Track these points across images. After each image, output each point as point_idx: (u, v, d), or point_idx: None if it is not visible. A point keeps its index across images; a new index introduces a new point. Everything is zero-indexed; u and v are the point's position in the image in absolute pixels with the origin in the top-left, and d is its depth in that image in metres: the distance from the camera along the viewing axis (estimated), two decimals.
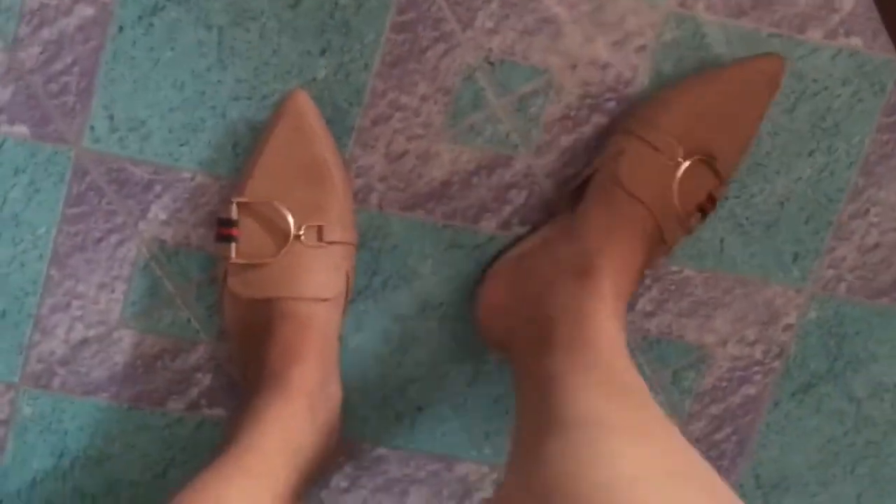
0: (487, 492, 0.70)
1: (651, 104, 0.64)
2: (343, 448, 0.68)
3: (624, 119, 0.64)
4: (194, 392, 0.67)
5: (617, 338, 0.58)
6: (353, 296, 0.66)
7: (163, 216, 0.63)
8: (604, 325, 0.58)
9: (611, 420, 0.51)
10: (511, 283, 0.65)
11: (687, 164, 0.62)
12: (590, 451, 0.49)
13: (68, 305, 0.64)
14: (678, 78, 0.64)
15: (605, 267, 0.61)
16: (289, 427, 0.58)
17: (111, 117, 0.61)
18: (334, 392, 0.62)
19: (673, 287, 0.68)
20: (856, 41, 0.65)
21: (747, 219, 0.68)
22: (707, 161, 0.62)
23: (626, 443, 0.49)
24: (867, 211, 0.69)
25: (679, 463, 0.49)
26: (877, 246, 0.70)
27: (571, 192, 0.65)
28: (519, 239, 0.66)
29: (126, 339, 0.65)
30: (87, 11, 0.60)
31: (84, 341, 0.65)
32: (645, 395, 0.55)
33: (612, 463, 0.48)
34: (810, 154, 0.67)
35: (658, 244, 0.63)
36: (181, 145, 0.63)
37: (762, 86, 0.63)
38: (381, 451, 0.69)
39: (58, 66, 0.60)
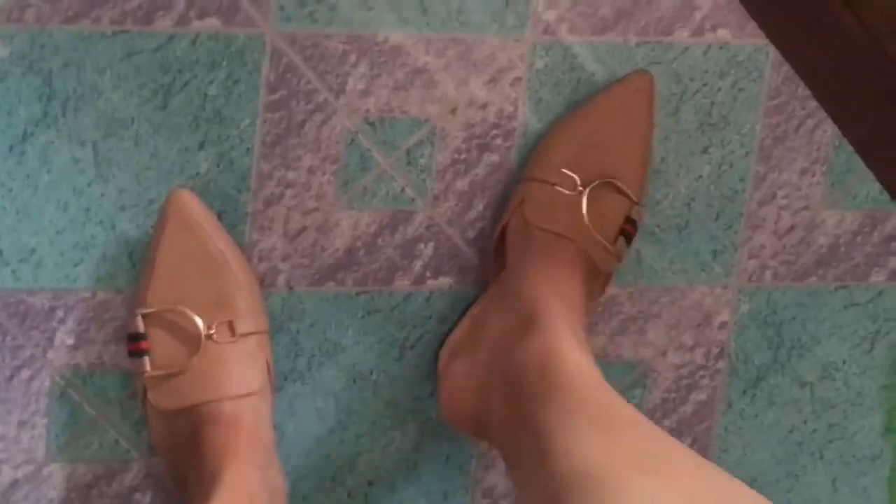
0: None
1: (537, 150, 0.68)
2: None
3: (520, 172, 0.69)
4: None
5: (587, 369, 0.61)
6: (279, 382, 0.69)
7: (70, 341, 0.66)
8: (570, 361, 0.61)
9: (612, 463, 0.53)
10: (467, 360, 0.67)
11: (588, 190, 0.66)
12: (610, 498, 0.51)
13: None
14: (559, 107, 0.69)
15: (553, 307, 0.63)
16: None
17: (0, 252, 0.65)
18: (278, 486, 0.65)
19: (600, 308, 0.72)
20: (723, 33, 0.70)
21: (658, 226, 0.72)
22: (610, 185, 0.66)
23: (635, 481, 0.51)
24: (774, 195, 0.73)
25: (705, 489, 0.51)
26: (792, 228, 0.74)
27: (494, 253, 0.68)
28: (461, 316, 0.69)
29: (56, 473, 0.67)
30: None
31: (14, 484, 0.67)
32: (634, 418, 0.57)
33: (640, 499, 0.50)
34: (705, 151, 0.72)
35: (594, 275, 0.67)
36: (75, 265, 0.66)
37: (639, 102, 0.67)
38: None
39: None
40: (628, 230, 0.67)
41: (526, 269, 0.65)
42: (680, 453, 0.54)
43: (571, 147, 0.67)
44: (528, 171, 0.68)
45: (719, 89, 0.71)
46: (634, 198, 0.67)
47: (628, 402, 0.73)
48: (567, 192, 0.66)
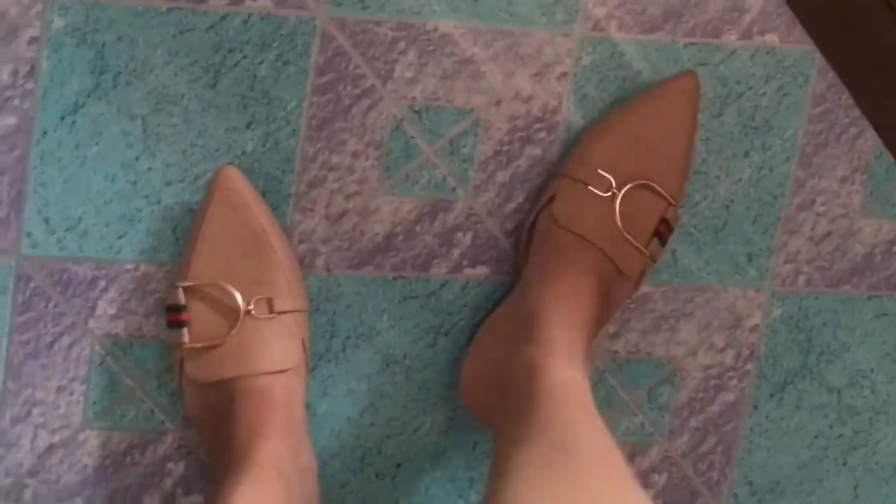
0: None
1: (577, 145, 0.69)
2: None
3: (556, 165, 0.69)
4: (168, 483, 0.71)
5: (572, 390, 0.60)
6: (315, 362, 0.71)
7: (112, 311, 0.68)
8: (552, 381, 0.60)
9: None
10: (483, 355, 0.69)
11: (622, 192, 0.66)
12: None
13: (29, 414, 0.68)
14: (603, 104, 0.70)
15: (553, 319, 0.64)
16: None
17: (47, 221, 0.66)
18: (307, 463, 0.67)
19: (633, 305, 0.73)
20: (771, 38, 0.71)
21: (695, 227, 0.73)
22: (646, 186, 0.67)
23: None
24: (812, 201, 0.74)
25: None
26: (828, 234, 0.75)
27: (524, 247, 0.70)
28: (495, 306, 0.70)
29: (91, 439, 0.69)
30: (9, 120, 0.65)
31: (50, 448, 0.69)
32: (598, 458, 0.56)
33: None
34: (746, 154, 0.73)
35: (617, 279, 0.67)
36: (120, 237, 0.67)
37: (683, 104, 0.68)
38: None
39: None
40: (662, 231, 0.68)
41: (539, 273, 0.66)
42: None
43: (610, 147, 0.67)
44: (565, 168, 0.68)
45: (764, 93, 0.72)
46: (671, 200, 0.67)
47: (656, 399, 0.75)
48: (600, 193, 0.66)
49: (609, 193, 0.66)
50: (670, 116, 0.68)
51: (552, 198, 0.67)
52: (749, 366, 0.76)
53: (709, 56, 0.71)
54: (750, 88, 0.71)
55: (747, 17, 0.70)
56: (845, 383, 0.77)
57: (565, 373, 0.61)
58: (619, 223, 0.66)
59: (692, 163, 0.71)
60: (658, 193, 0.67)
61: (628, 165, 0.67)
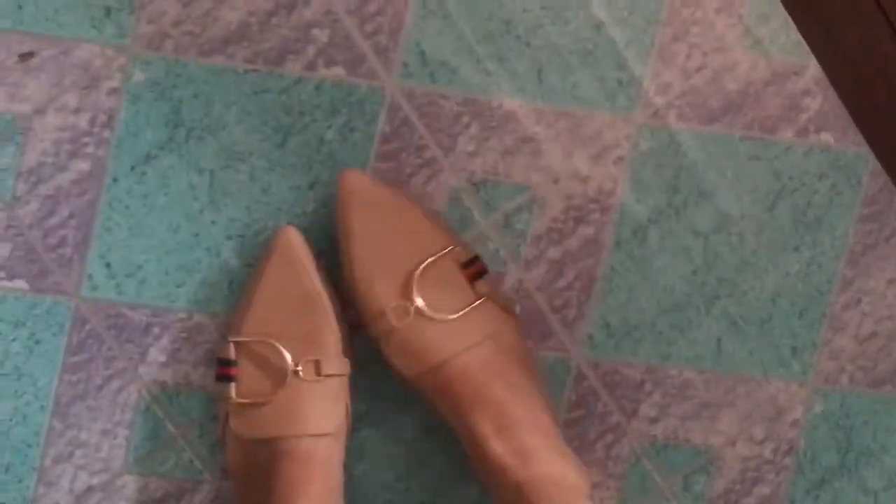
0: None
1: (354, 299, 0.67)
2: None
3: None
4: None
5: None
6: (355, 423, 0.72)
7: (162, 358, 0.70)
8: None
9: None
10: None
11: (414, 306, 0.64)
12: None
13: (71, 455, 0.70)
14: (657, 190, 0.72)
15: (521, 425, 0.65)
16: None
17: (108, 265, 0.68)
18: None
19: (674, 390, 0.74)
20: (826, 137, 0.73)
21: (741, 317, 0.74)
22: (423, 270, 0.65)
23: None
24: (859, 301, 0.75)
25: None
26: (873, 334, 0.76)
27: (429, 402, 0.68)
28: None
29: (130, 484, 0.70)
30: (83, 166, 0.67)
31: (88, 490, 0.70)
32: None
33: None
34: (796, 249, 0.74)
35: (502, 342, 0.66)
36: (177, 286, 0.69)
37: (342, 204, 0.66)
38: None
39: (55, 220, 0.68)
40: (472, 273, 0.66)
41: (460, 413, 0.66)
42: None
43: (368, 278, 0.66)
44: (369, 330, 0.67)
45: (816, 191, 0.73)
46: (443, 251, 0.66)
47: (691, 487, 0.75)
48: (401, 321, 0.65)
49: (412, 313, 0.65)
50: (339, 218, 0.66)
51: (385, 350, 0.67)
52: (787, 460, 0.76)
53: (764, 150, 0.72)
54: (803, 185, 0.73)
55: (804, 116, 0.72)
56: (883, 486, 0.77)
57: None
58: (437, 316, 0.65)
59: (739, 249, 0.73)
60: (432, 263, 0.65)
61: (392, 280, 0.66)
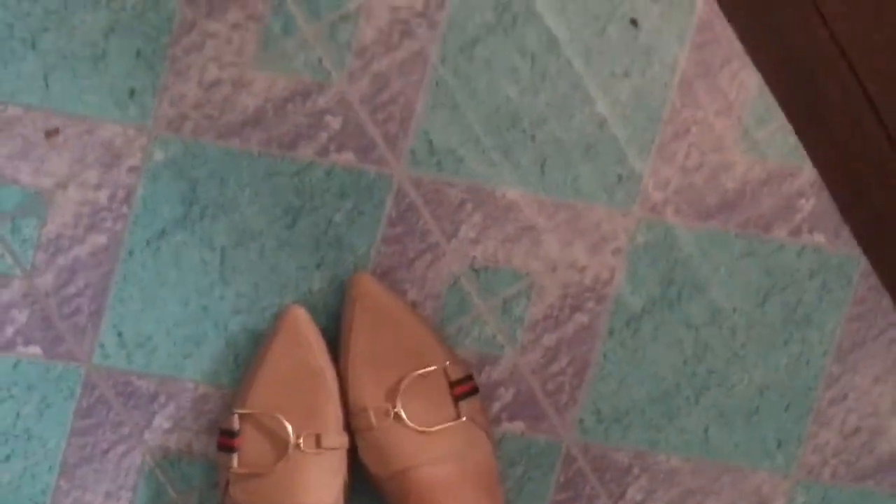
0: None
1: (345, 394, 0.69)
2: None
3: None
4: None
5: None
6: (350, 496, 0.74)
7: (166, 425, 0.72)
8: None
9: None
10: None
11: (394, 410, 0.66)
12: None
13: None
14: (652, 282, 0.74)
15: None
16: None
17: (120, 335, 0.71)
18: None
19: (661, 476, 0.76)
20: (819, 238, 0.75)
21: (729, 408, 0.76)
22: (410, 383, 0.67)
23: None
24: (845, 396, 0.77)
25: None
26: (857, 430, 0.78)
27: None
28: None
29: None
30: (100, 240, 0.70)
31: None
32: None
33: None
34: (785, 344, 0.76)
35: (471, 463, 0.68)
36: (185, 357, 0.72)
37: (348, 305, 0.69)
38: None
39: (71, 289, 0.71)
40: (459, 391, 0.69)
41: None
42: None
43: (360, 374, 0.68)
44: (347, 417, 0.69)
45: (807, 289, 0.76)
46: (436, 365, 0.68)
47: None
48: (378, 421, 0.67)
49: (391, 416, 0.67)
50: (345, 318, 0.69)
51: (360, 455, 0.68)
52: None
53: (758, 248, 0.75)
54: (794, 282, 0.76)
55: (798, 216, 0.75)
56: None
57: None
58: (411, 426, 0.66)
59: (730, 342, 0.75)
60: (422, 375, 0.68)
61: (383, 383, 0.68)
